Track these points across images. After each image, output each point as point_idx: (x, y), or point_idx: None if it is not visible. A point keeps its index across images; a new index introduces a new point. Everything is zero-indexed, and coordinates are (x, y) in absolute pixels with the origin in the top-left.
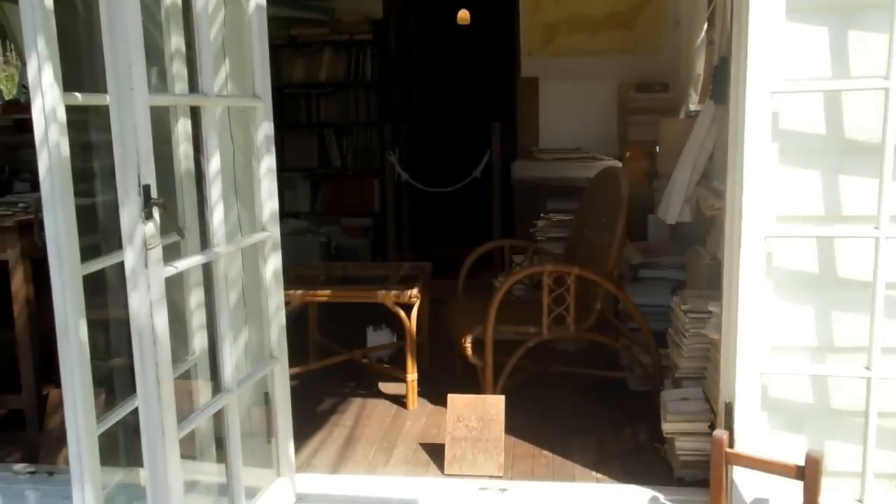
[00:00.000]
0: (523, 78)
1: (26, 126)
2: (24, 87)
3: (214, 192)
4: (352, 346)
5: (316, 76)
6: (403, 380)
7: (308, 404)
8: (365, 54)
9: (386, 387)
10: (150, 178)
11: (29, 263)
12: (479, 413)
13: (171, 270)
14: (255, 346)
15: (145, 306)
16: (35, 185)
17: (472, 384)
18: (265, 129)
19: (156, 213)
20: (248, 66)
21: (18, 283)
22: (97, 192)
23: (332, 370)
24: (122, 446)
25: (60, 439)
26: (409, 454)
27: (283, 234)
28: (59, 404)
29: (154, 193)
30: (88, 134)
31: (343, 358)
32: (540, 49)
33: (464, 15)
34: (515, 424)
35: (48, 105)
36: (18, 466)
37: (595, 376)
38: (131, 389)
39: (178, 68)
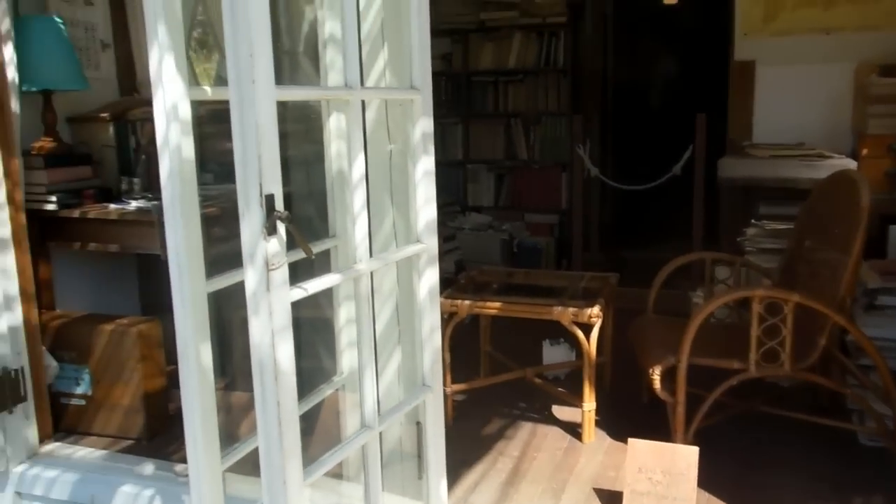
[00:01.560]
0: (737, 62)
1: (222, 116)
2: (221, 77)
3: (358, 199)
4: (526, 360)
5: (505, 62)
6: (579, 407)
7: (473, 424)
8: (558, 39)
9: (560, 411)
10: (276, 187)
11: None
12: (665, 465)
13: (299, 293)
14: (409, 369)
15: (267, 336)
16: (221, 179)
17: (659, 419)
18: (423, 126)
19: (280, 227)
20: (406, 54)
21: None
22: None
23: (502, 387)
24: None
25: None
26: (580, 501)
27: (463, 230)
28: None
29: (279, 205)
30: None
31: (515, 375)
32: (759, 28)
33: None
34: (710, 478)
35: (169, 101)
36: (180, 468)
37: (815, 423)
38: None
39: (332, 56)
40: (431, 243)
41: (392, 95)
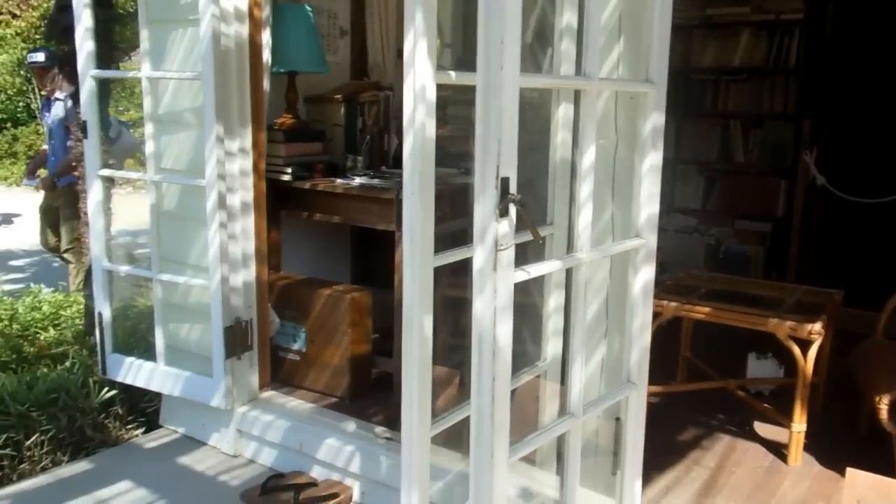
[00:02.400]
0: None
1: (441, 103)
2: (440, 66)
3: (585, 189)
4: (727, 371)
5: (729, 61)
6: (786, 426)
7: (667, 429)
8: (791, 37)
9: (763, 429)
10: (511, 171)
11: None
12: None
13: (521, 276)
14: (613, 363)
15: (489, 312)
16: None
17: (878, 453)
18: (654, 120)
19: (512, 210)
20: (644, 47)
21: (401, 255)
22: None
23: (700, 395)
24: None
25: None
26: None
27: (668, 231)
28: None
29: (513, 188)
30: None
31: (716, 385)
32: None
33: None
34: None
35: (419, 83)
36: (379, 430)
37: None
38: None
39: (566, 47)
40: (651, 239)
41: (627, 88)
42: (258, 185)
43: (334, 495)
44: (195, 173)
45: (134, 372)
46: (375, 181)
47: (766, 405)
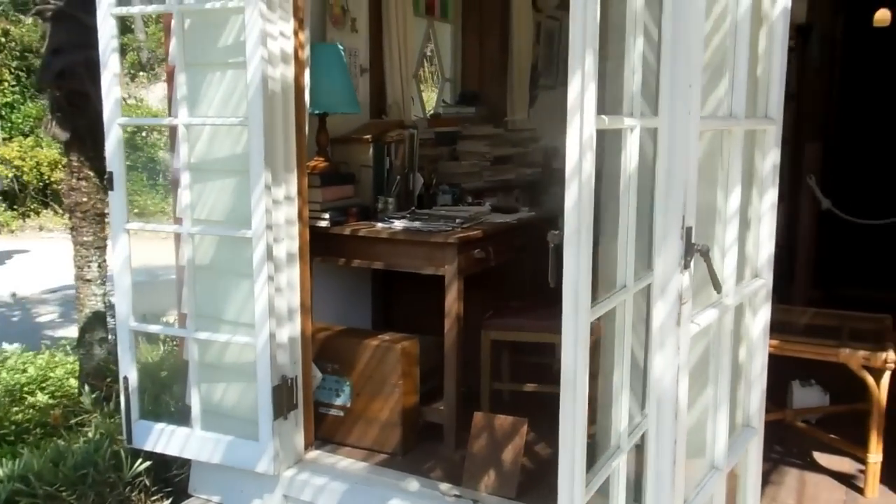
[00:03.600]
0: None
1: (445, 139)
2: (443, 102)
3: (730, 232)
4: (769, 400)
5: None
6: (852, 455)
7: None
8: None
9: (826, 459)
10: (693, 220)
11: (462, 280)
12: None
13: (694, 328)
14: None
15: (671, 371)
16: (456, 198)
17: None
18: (773, 157)
19: (692, 261)
20: (761, 82)
21: (452, 300)
22: None
23: None
24: None
25: (484, 465)
26: None
27: None
28: (484, 427)
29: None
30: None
31: (772, 417)
32: None
33: (882, 16)
34: None
35: (586, 132)
36: (444, 487)
37: None
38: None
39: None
40: (770, 279)
41: (752, 125)
42: (303, 233)
43: None
44: (236, 223)
45: (165, 439)
46: (417, 224)
47: (832, 436)
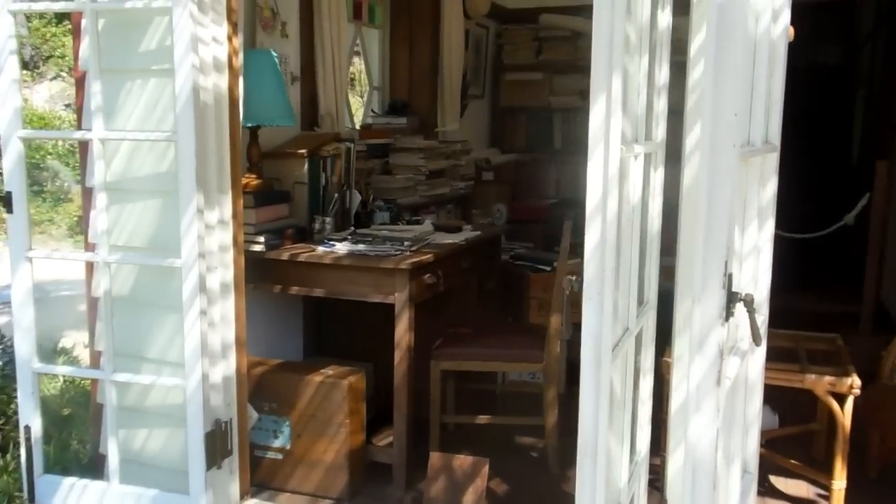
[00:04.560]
0: None
1: (376, 151)
2: (372, 111)
3: (747, 271)
4: None
5: None
6: (807, 479)
7: None
8: None
9: (783, 484)
10: (734, 266)
11: (413, 308)
12: None
13: (726, 384)
14: None
15: (710, 435)
16: (394, 216)
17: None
18: (773, 185)
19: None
20: (758, 105)
21: (403, 330)
22: None
23: None
24: None
25: None
26: None
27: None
28: (441, 469)
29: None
30: None
31: None
32: None
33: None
34: None
35: (612, 165)
36: None
37: None
38: None
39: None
40: (766, 314)
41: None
42: (238, 260)
43: None
44: (161, 250)
45: (76, 496)
46: (361, 247)
47: (793, 461)
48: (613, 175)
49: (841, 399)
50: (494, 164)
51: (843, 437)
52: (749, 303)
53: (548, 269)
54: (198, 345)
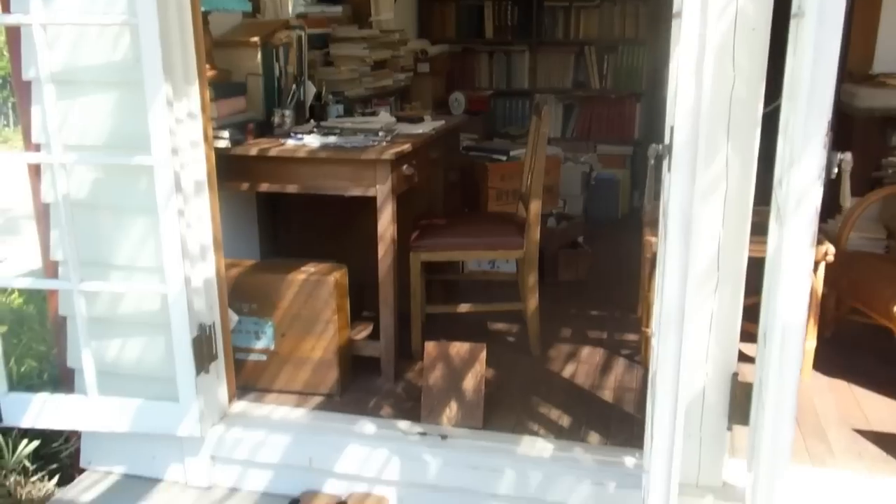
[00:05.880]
0: None
1: (316, 42)
2: (302, 0)
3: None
4: None
5: None
6: None
7: None
8: None
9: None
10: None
11: (395, 201)
12: None
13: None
14: (725, 319)
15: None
16: (347, 109)
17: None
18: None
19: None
20: None
21: (386, 223)
22: None
23: None
24: None
25: (443, 397)
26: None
27: None
28: (438, 357)
29: None
30: None
31: None
32: None
33: None
34: None
35: (709, 22)
36: (403, 425)
37: None
38: None
39: None
40: None
41: None
42: (209, 156)
43: None
44: (121, 148)
45: (50, 413)
46: (333, 139)
47: None
48: (702, 35)
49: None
50: (430, 56)
51: (815, 300)
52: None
53: (503, 158)
54: (178, 248)
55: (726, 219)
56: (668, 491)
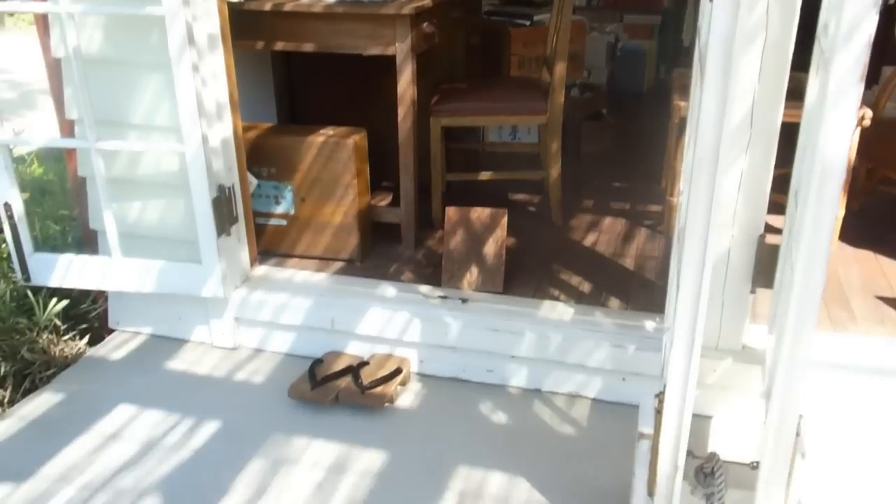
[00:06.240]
0: None
1: None
2: None
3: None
4: None
5: None
6: None
7: None
8: None
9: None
10: None
11: (415, 60)
12: None
13: None
14: (754, 179)
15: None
16: None
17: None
18: None
19: None
20: None
21: (406, 84)
22: None
23: None
24: None
25: (464, 262)
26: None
27: None
28: (459, 222)
29: None
30: None
31: None
32: None
33: None
34: None
35: None
36: (424, 289)
37: None
38: None
39: None
40: None
41: None
42: (222, 8)
43: (398, 371)
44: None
45: (75, 273)
46: None
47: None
48: None
49: None
50: None
51: (848, 167)
52: None
53: (527, 23)
54: (194, 105)
55: (763, 73)
56: (692, 341)
